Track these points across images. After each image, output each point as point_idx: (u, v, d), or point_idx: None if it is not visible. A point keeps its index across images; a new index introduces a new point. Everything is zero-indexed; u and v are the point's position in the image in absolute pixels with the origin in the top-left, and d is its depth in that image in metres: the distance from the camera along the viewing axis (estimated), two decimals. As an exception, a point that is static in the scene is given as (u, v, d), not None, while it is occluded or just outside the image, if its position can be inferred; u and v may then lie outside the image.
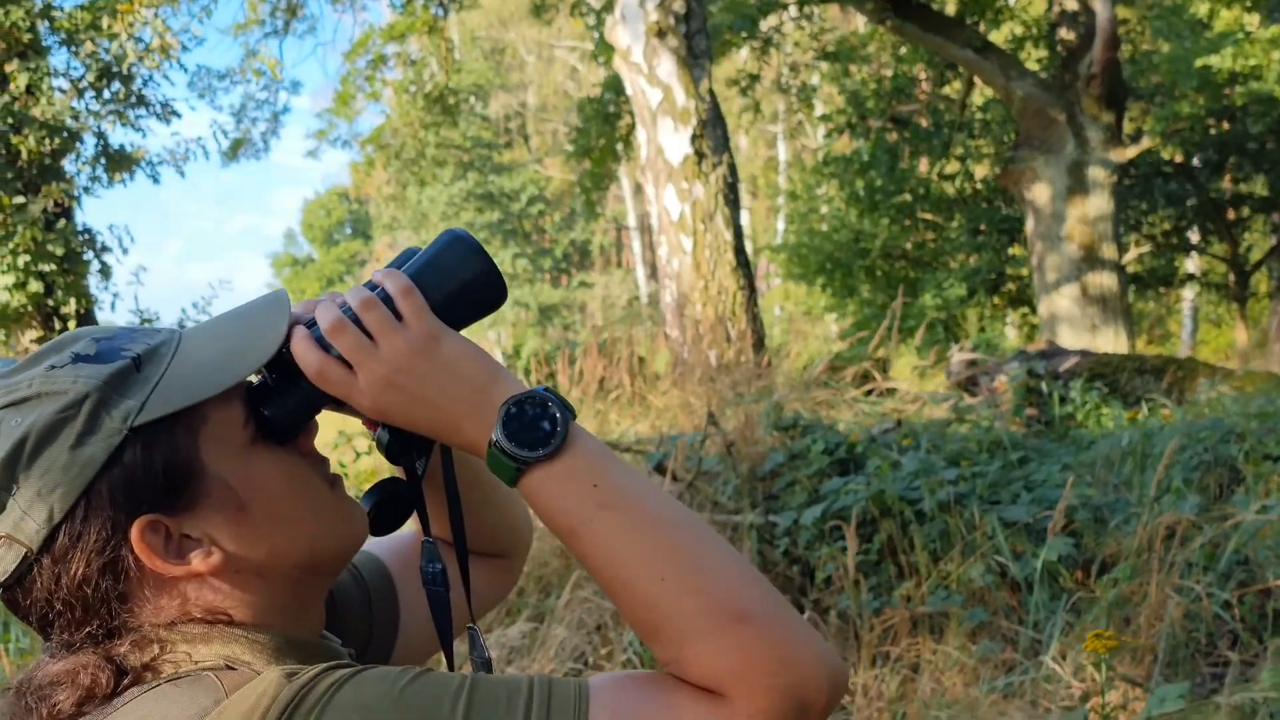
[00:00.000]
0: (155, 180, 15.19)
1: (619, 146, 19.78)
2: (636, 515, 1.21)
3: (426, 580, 1.44)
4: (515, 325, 45.36)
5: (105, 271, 14.10)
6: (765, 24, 19.31)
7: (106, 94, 14.43)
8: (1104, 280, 15.24)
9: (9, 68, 13.37)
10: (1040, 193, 15.51)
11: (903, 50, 21.29)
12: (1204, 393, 8.39)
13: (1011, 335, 23.77)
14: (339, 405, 1.31)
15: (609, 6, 12.35)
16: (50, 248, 13.10)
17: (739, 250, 11.54)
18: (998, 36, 19.81)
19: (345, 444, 7.85)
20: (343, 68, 20.32)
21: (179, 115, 15.12)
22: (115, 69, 14.26)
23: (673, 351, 11.59)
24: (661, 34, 11.32)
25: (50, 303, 13.41)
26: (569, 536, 1.22)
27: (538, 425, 1.23)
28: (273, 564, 1.28)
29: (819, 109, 27.40)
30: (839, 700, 1.18)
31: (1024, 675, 4.87)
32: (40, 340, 13.38)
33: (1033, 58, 19.77)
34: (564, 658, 5.51)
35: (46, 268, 13.16)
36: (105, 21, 13.96)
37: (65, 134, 13.55)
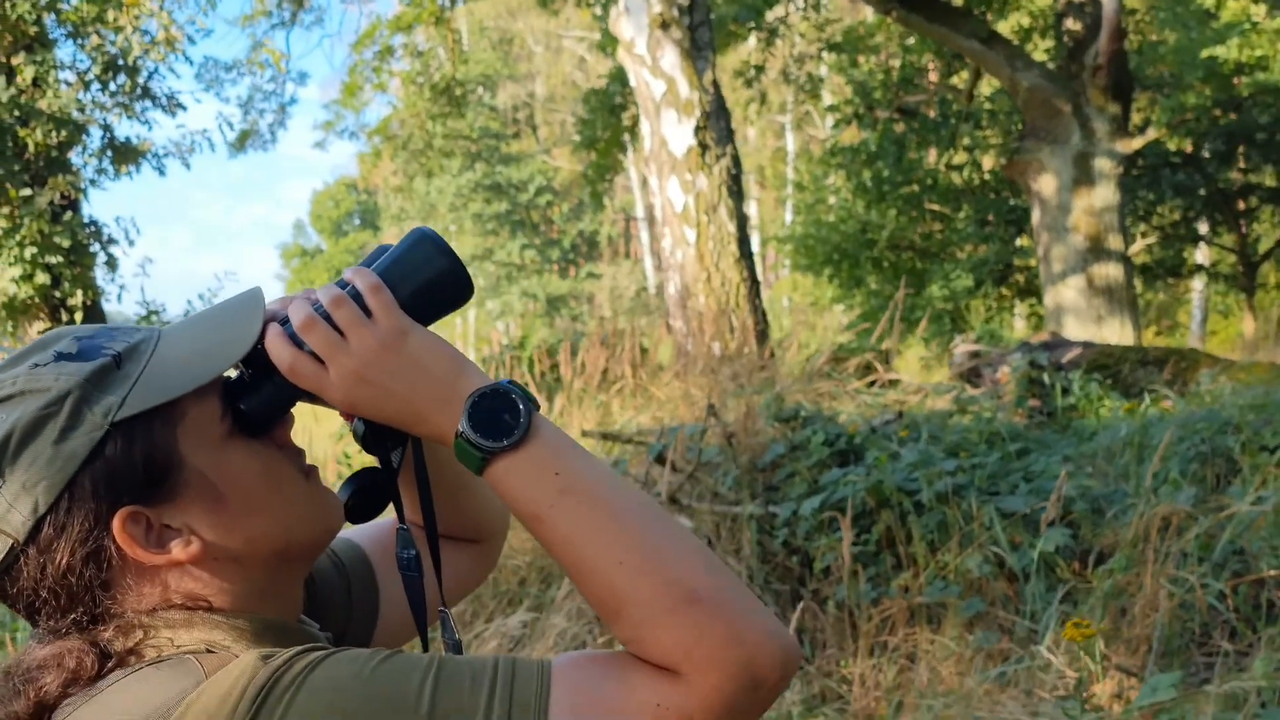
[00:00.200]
0: (161, 173, 15.26)
1: (625, 138, 19.79)
2: (597, 502, 1.25)
3: (402, 566, 1.48)
4: (523, 316, 45.41)
5: (111, 263, 14.18)
6: (771, 15, 19.31)
7: (112, 86, 14.50)
8: (1110, 271, 15.23)
9: (15, 61, 13.44)
10: (1046, 184, 15.50)
11: (910, 40, 21.26)
12: (1204, 384, 8.40)
13: (1020, 326, 23.75)
14: (313, 399, 1.35)
15: (614, -2, 12.37)
16: (57, 240, 13.17)
17: (742, 242, 11.56)
18: (1004, 27, 19.79)
19: (350, 434, 7.90)
20: (350, 59, 20.31)
21: (184, 108, 15.19)
22: (121, 62, 14.33)
23: (676, 343, 11.61)
24: (665, 26, 11.34)
25: (57, 294, 13.48)
26: (533, 523, 1.27)
27: (501, 417, 1.27)
28: (250, 552, 1.32)
29: (827, 99, 27.39)
30: (791, 676, 1.22)
31: (1019, 664, 4.90)
32: (46, 332, 13.45)
33: (1040, 48, 19.76)
34: (563, 646, 5.56)
35: (53, 260, 13.23)
36: (111, 14, 14.01)
37: (72, 126, 13.62)
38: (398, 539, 1.49)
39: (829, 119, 26.16)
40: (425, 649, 1.49)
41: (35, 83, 13.50)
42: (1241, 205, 21.86)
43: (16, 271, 13.03)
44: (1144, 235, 22.11)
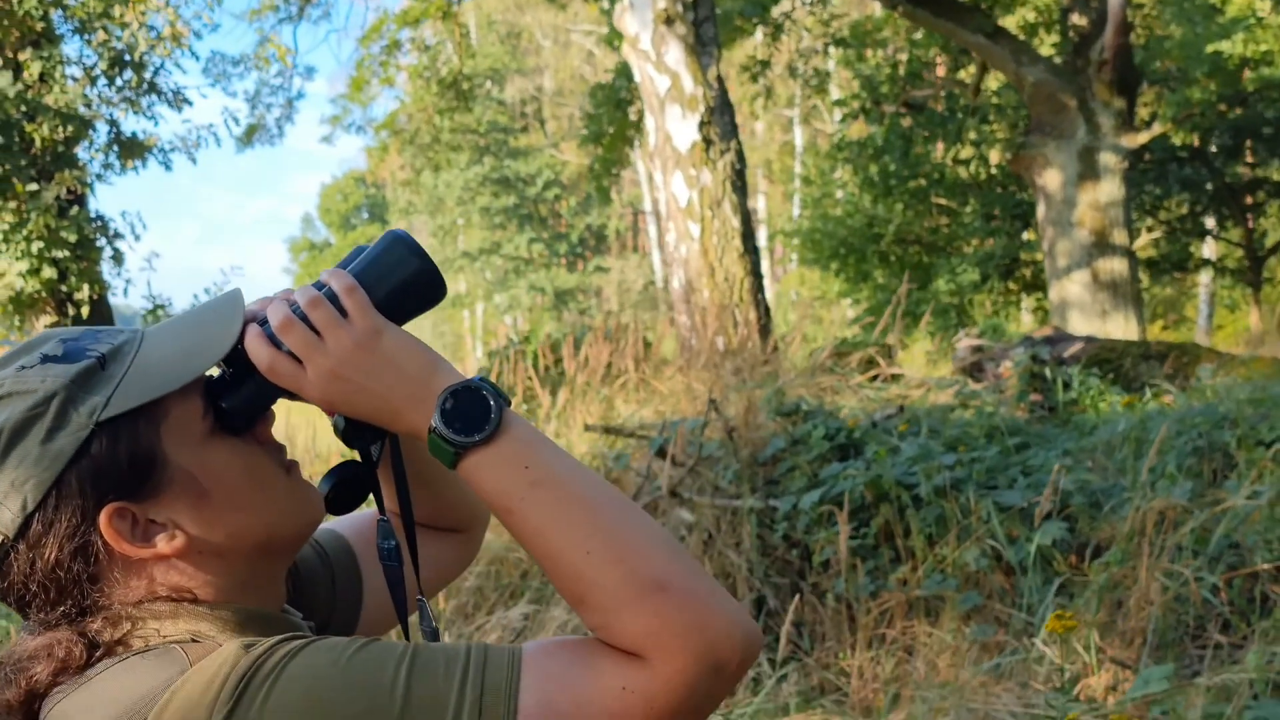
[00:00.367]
0: (167, 167, 15.32)
1: (631, 132, 19.79)
2: (565, 494, 1.30)
3: (382, 556, 1.52)
4: (531, 310, 45.40)
5: (118, 258, 14.23)
6: (776, 10, 19.31)
7: (119, 82, 14.54)
8: (1115, 266, 15.24)
9: (23, 56, 13.48)
10: (1051, 178, 15.51)
11: (918, 35, 21.25)
12: (1203, 379, 8.41)
13: (1027, 320, 23.75)
14: (293, 396, 1.39)
15: (618, -7, 12.38)
16: (63, 234, 13.22)
17: (746, 236, 11.57)
18: (1010, 22, 19.78)
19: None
20: (357, 53, 20.33)
21: (190, 103, 15.23)
22: (127, 57, 14.37)
23: (680, 337, 11.64)
24: (669, 21, 11.36)
25: (64, 288, 13.53)
26: (504, 515, 1.31)
27: (473, 413, 1.31)
28: (233, 545, 1.37)
29: (835, 93, 27.37)
30: (752, 660, 1.27)
31: (1014, 657, 4.93)
32: (54, 325, 13.49)
33: (1046, 43, 19.74)
34: (562, 638, 5.59)
35: (60, 254, 13.28)
36: (117, 10, 14.06)
37: (78, 122, 13.67)
38: (378, 530, 1.53)
39: (836, 113, 26.13)
40: (406, 637, 1.54)
41: (42, 78, 13.55)
42: (1249, 200, 21.82)
43: (23, 266, 13.09)
44: (1150, 230, 22.09)
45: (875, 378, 9.59)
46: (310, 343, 1.33)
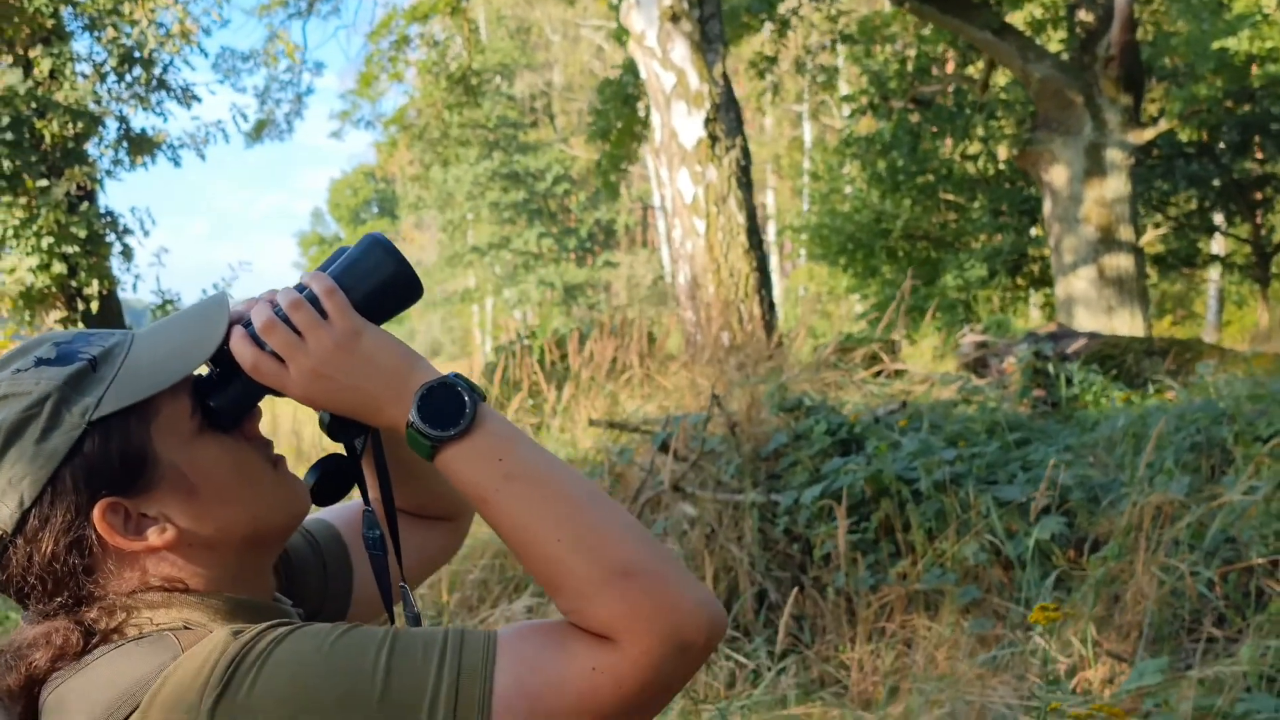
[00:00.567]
0: (176, 163, 15.36)
1: (639, 128, 19.79)
2: (537, 485, 1.36)
3: (368, 545, 1.58)
4: (540, 304, 45.38)
5: (127, 253, 14.27)
6: (783, 6, 19.31)
7: (128, 78, 14.58)
8: (1121, 262, 15.25)
9: (33, 53, 13.53)
10: (1058, 174, 15.52)
11: (926, 30, 21.24)
12: (1203, 375, 8.43)
13: (1035, 316, 23.73)
14: (277, 393, 1.45)
15: (624, -10, 12.40)
16: (73, 230, 13.26)
17: (752, 233, 11.60)
18: (1017, 18, 19.77)
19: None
20: (365, 48, 20.35)
21: (199, 99, 15.25)
22: (136, 54, 14.42)
23: (685, 333, 11.68)
24: (675, 18, 11.39)
25: (73, 284, 13.58)
26: (480, 505, 1.38)
27: (448, 408, 1.38)
28: (222, 538, 1.43)
29: (844, 89, 27.35)
30: (717, 640, 1.33)
31: (1011, 650, 4.97)
32: (63, 320, 13.57)
33: (1054, 39, 19.73)
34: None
35: (69, 249, 13.32)
36: (127, 7, 14.10)
37: (88, 118, 13.71)
38: (364, 520, 1.60)
39: (845, 109, 26.12)
40: (392, 621, 1.60)
41: (52, 75, 13.59)
42: (1258, 196, 21.80)
43: (34, 261, 13.13)
44: (1157, 226, 22.07)
45: (879, 373, 9.62)
46: (292, 343, 1.39)
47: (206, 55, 16.11)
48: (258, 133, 21.89)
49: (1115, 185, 15.19)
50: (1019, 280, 22.37)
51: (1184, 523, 5.18)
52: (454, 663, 1.27)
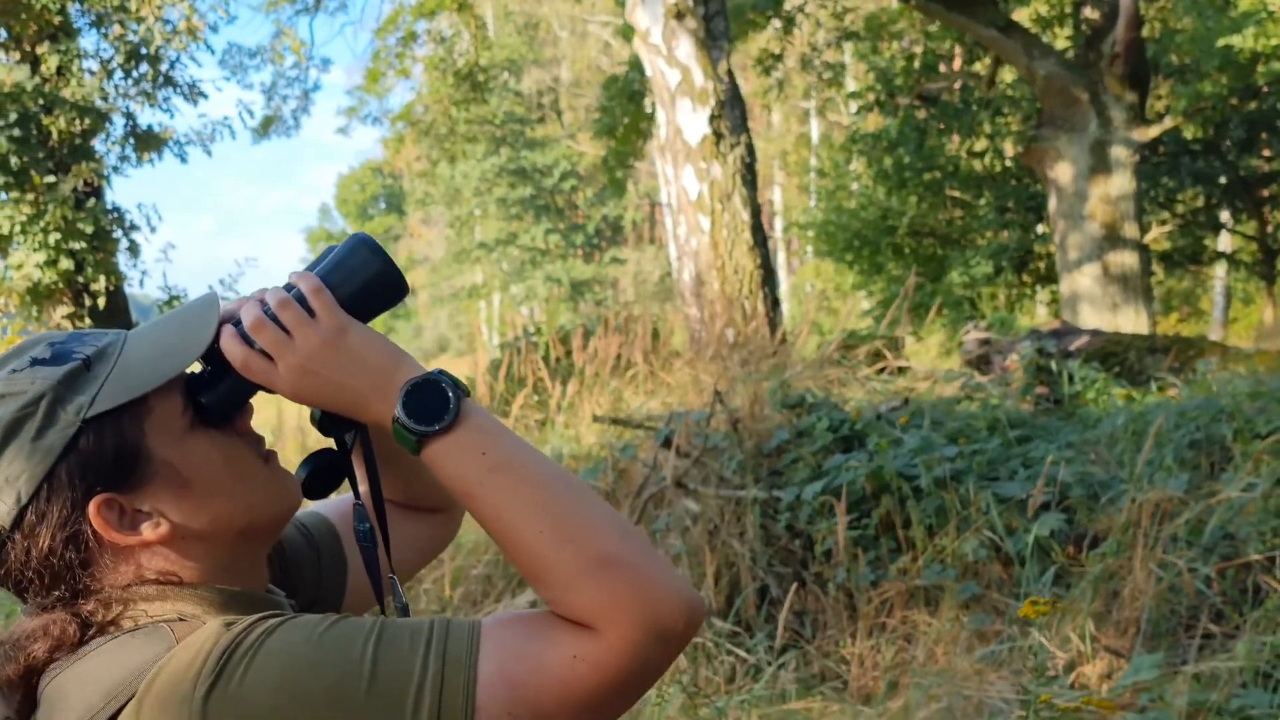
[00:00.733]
0: (183, 160, 15.39)
1: (645, 125, 19.79)
2: (520, 478, 1.40)
3: (358, 537, 1.63)
4: (548, 301, 45.38)
5: (134, 249, 14.31)
6: (789, 3, 19.31)
7: (135, 75, 14.61)
8: (1125, 259, 15.25)
9: (40, 50, 13.57)
10: (1063, 172, 15.52)
11: (932, 27, 21.23)
12: (1204, 373, 8.44)
13: (1042, 313, 23.73)
14: (268, 390, 1.49)
15: (630, -13, 12.40)
16: (80, 226, 13.30)
17: (756, 230, 11.61)
18: (1023, 15, 19.77)
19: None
20: (372, 44, 20.36)
21: (206, 96, 15.29)
22: (143, 51, 14.44)
23: (690, 330, 11.70)
24: (680, 16, 11.41)
25: (80, 279, 13.62)
26: (465, 498, 1.42)
27: (433, 403, 1.42)
28: (215, 531, 1.46)
29: (851, 85, 27.34)
30: (695, 629, 1.37)
31: (1010, 645, 5.00)
32: (70, 316, 13.61)
33: (1060, 36, 19.72)
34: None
35: (77, 245, 13.36)
36: (133, 3, 14.12)
37: (95, 114, 13.74)
38: (354, 513, 1.64)
39: (852, 105, 26.10)
40: (383, 613, 1.65)
41: (59, 71, 13.63)
42: (1264, 193, 21.79)
43: (41, 257, 13.18)
44: (1163, 223, 22.06)
45: (882, 370, 9.64)
46: (280, 341, 1.43)
47: (213, 52, 16.20)
48: (264, 129, 21.96)
49: (1120, 182, 15.20)
50: (1025, 277, 22.37)
51: (1182, 519, 5.21)
52: (439, 652, 1.31)
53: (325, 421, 1.56)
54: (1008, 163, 22.14)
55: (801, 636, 5.83)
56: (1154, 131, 15.78)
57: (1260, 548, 4.99)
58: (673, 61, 11.50)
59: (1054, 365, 9.15)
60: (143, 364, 1.43)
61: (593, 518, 1.39)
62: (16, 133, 13.07)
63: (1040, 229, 21.70)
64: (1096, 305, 15.16)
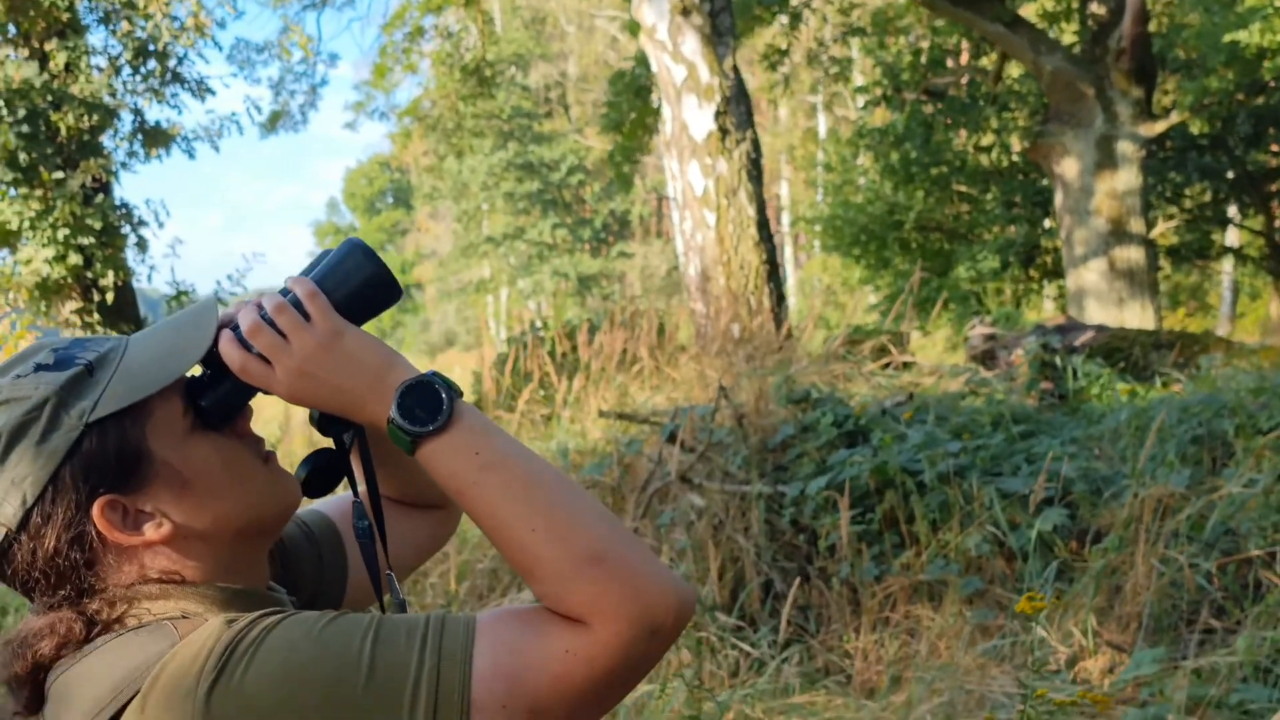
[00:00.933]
0: (190, 155, 15.44)
1: (651, 120, 19.79)
2: (512, 477, 1.43)
3: (357, 534, 1.66)
4: (555, 295, 45.33)
5: (142, 245, 14.34)
6: (795, -1, 19.31)
7: (143, 71, 14.65)
8: (1131, 254, 15.25)
9: (48, 46, 13.60)
10: (1069, 167, 15.51)
11: (939, 22, 21.22)
12: (1207, 368, 8.46)
13: (1049, 307, 23.72)
14: (266, 393, 1.52)
15: (635, -17, 12.42)
16: (89, 221, 13.34)
17: (762, 225, 11.63)
18: (1029, 11, 19.76)
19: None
20: (380, 39, 20.38)
21: (213, 92, 15.32)
22: (151, 47, 14.47)
23: (695, 325, 11.72)
24: (686, 12, 11.43)
25: (89, 275, 13.66)
26: (459, 496, 1.45)
27: (427, 404, 1.45)
28: (216, 531, 1.50)
29: (858, 80, 27.33)
30: (686, 621, 1.40)
31: (1013, 640, 5.02)
32: (79, 311, 13.66)
33: (1068, 31, 19.70)
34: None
35: (85, 241, 13.40)
36: (141, 0, 14.15)
37: (103, 111, 13.77)
38: (353, 511, 1.67)
39: (859, 100, 26.09)
40: (382, 609, 1.68)
41: (68, 68, 13.66)
42: (1272, 188, 21.74)
43: (50, 253, 13.22)
44: (1170, 218, 22.03)
45: (888, 365, 9.65)
46: (277, 345, 1.46)
47: (221, 48, 16.16)
48: (272, 124, 21.97)
49: (1126, 178, 15.20)
50: (1032, 272, 22.36)
51: (1184, 515, 5.23)
52: (435, 647, 1.34)
53: (323, 422, 1.60)
54: (1014, 158, 22.10)
55: (805, 631, 5.86)
56: (1160, 127, 15.77)
57: (1261, 543, 5.02)
58: (678, 57, 11.52)
59: (1058, 361, 9.16)
60: (144, 368, 1.46)
61: (583, 515, 1.42)
62: (25, 129, 13.11)
63: (1047, 224, 21.68)
64: (1103, 300, 15.16)
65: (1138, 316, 14.82)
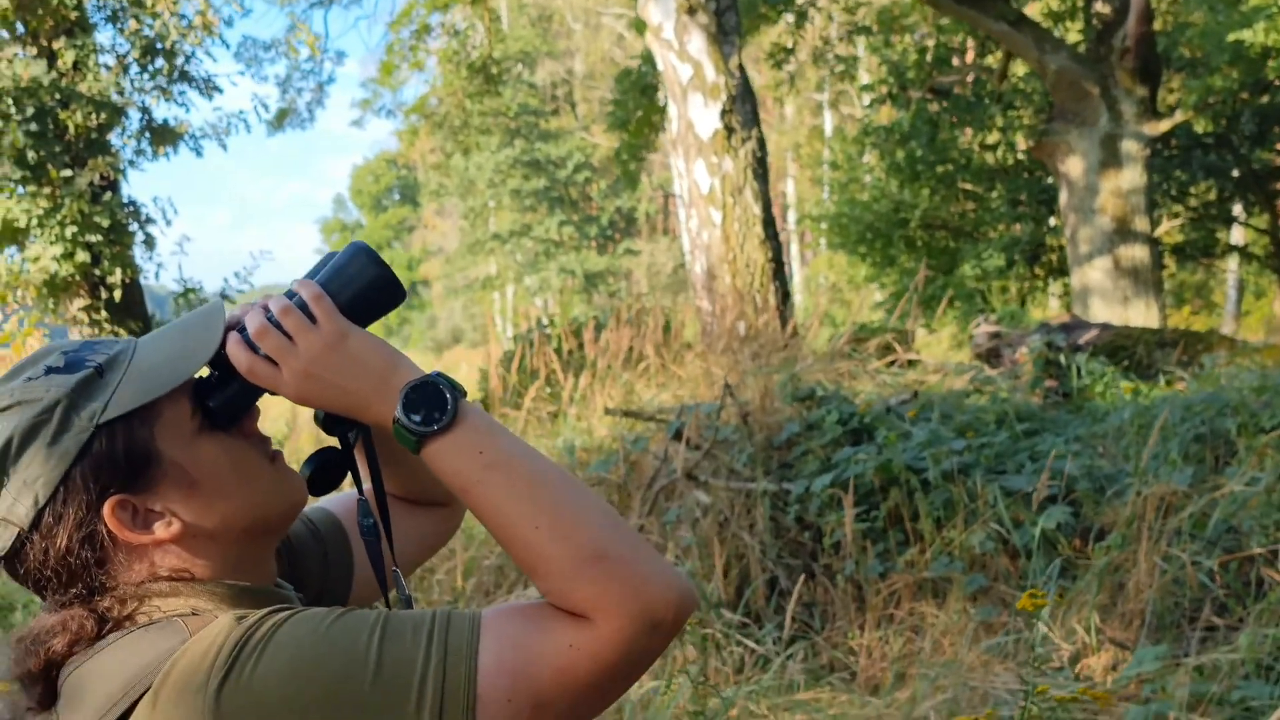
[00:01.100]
0: (198, 153, 15.47)
1: (658, 117, 19.80)
2: (516, 475, 1.46)
3: (362, 532, 1.69)
4: (561, 292, 45.34)
5: (149, 242, 14.36)
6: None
7: (150, 70, 14.66)
8: (1136, 253, 15.24)
9: (57, 45, 13.61)
10: (1074, 166, 15.51)
11: (945, 21, 21.21)
12: (1211, 367, 8.47)
13: (1055, 305, 23.71)
14: (273, 393, 1.55)
15: (641, -18, 12.44)
16: (96, 219, 13.35)
17: (768, 223, 11.65)
18: (1034, 9, 19.74)
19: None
20: (386, 37, 20.38)
21: (220, 90, 15.35)
22: (159, 45, 14.48)
23: (701, 322, 11.74)
24: (692, 11, 11.45)
25: (97, 272, 13.67)
26: (463, 494, 1.48)
27: (431, 404, 1.47)
28: (224, 529, 1.52)
29: (864, 78, 27.32)
30: (686, 616, 1.43)
31: (1016, 637, 5.04)
32: (87, 309, 13.68)
33: (1072, 30, 19.70)
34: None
35: (93, 238, 13.41)
36: (149, -1, 14.19)
37: (111, 109, 13.77)
38: (358, 508, 1.70)
39: (864, 98, 26.09)
40: (388, 605, 1.73)
41: (75, 66, 13.67)
42: (1277, 186, 21.70)
43: (58, 250, 13.23)
44: (1175, 216, 22.01)
45: (893, 363, 9.67)
46: (284, 347, 1.49)
47: (228, 46, 16.14)
48: (279, 121, 22.00)
49: (1131, 176, 15.19)
50: (1037, 270, 22.34)
51: (1187, 513, 5.25)
52: (441, 641, 1.36)
53: (328, 421, 1.63)
54: (1019, 156, 22.08)
55: (810, 627, 5.87)
56: (1165, 125, 15.76)
57: (1263, 541, 5.03)
58: (684, 56, 11.54)
59: (1063, 359, 9.17)
60: (153, 370, 1.49)
61: (585, 514, 1.44)
62: (34, 127, 13.12)
63: (1052, 222, 21.66)
64: (1108, 298, 15.16)
65: (1142, 315, 14.82)
